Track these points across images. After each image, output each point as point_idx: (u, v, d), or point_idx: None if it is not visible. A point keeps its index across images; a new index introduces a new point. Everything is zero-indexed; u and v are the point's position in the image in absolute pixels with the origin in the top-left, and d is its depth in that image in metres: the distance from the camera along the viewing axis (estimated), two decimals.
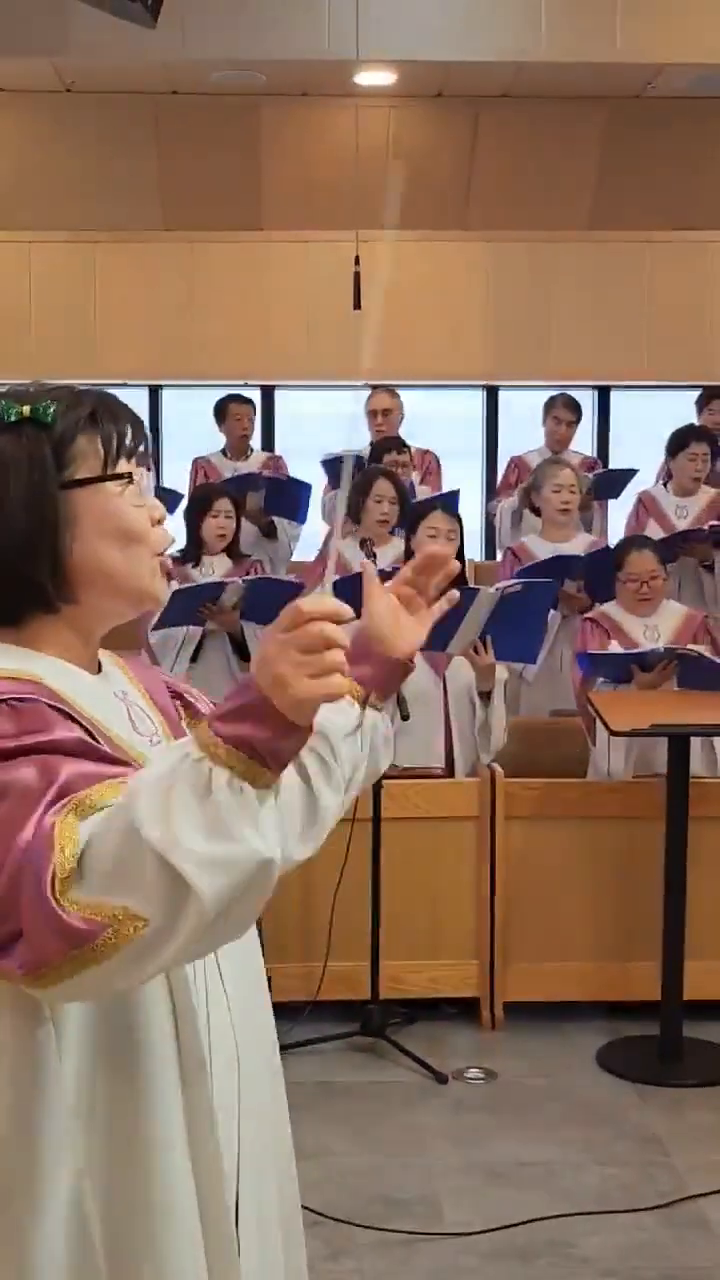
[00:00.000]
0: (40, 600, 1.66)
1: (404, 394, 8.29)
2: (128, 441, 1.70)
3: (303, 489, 7.65)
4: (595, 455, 9.65)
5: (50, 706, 1.58)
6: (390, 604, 1.87)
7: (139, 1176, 1.60)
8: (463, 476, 8.58)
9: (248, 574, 6.09)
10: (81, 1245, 1.59)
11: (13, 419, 1.65)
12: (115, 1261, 1.59)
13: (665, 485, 7.45)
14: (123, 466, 1.70)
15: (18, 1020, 1.57)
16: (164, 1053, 1.62)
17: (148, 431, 1.77)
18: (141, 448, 1.73)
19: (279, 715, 1.39)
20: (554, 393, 8.44)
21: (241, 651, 5.85)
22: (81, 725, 1.61)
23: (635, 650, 5.31)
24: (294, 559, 7.71)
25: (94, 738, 1.60)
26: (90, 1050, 1.59)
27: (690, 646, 5.33)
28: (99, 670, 1.74)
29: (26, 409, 1.65)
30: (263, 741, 1.40)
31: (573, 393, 8.55)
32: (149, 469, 1.76)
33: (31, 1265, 1.57)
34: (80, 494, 1.66)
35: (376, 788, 4.82)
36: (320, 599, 1.38)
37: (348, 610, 1.40)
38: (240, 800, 1.39)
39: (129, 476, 1.70)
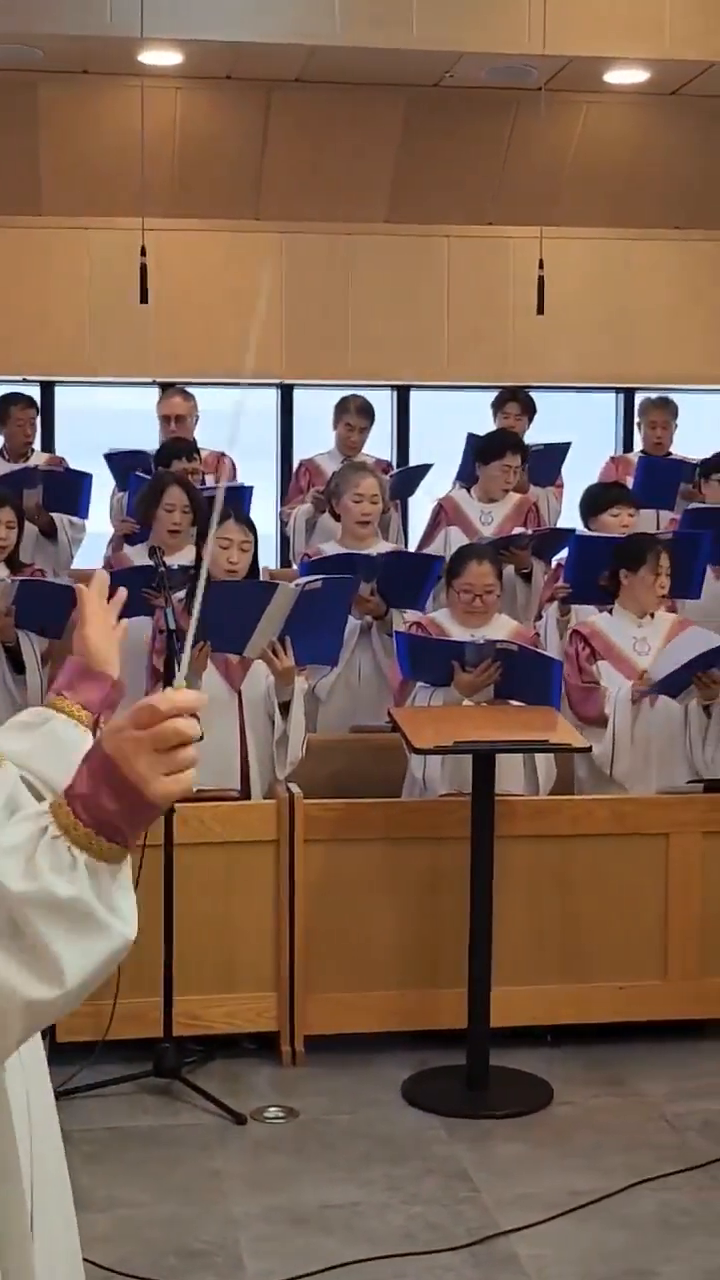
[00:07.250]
0: None
1: (196, 391, 8.22)
2: None
3: (84, 480, 7.48)
4: (394, 456, 9.69)
5: None
6: (109, 624, 1.97)
7: None
8: (257, 475, 8.54)
9: None
10: None
11: None
12: None
13: (468, 490, 7.48)
14: None
15: None
16: None
17: None
18: None
19: (138, 797, 1.47)
20: (346, 393, 8.35)
21: (16, 663, 5.72)
22: None
23: (454, 640, 5.31)
24: (75, 566, 7.53)
25: None
26: None
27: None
28: None
29: None
30: (120, 818, 1.47)
31: (370, 393, 8.54)
32: None
33: None
34: None
35: (169, 811, 4.77)
36: (172, 695, 1.45)
37: (203, 699, 1.48)
38: (97, 885, 1.47)
39: None
